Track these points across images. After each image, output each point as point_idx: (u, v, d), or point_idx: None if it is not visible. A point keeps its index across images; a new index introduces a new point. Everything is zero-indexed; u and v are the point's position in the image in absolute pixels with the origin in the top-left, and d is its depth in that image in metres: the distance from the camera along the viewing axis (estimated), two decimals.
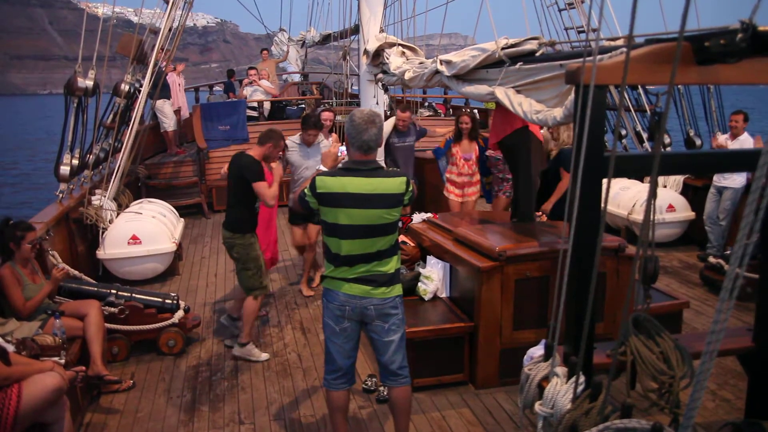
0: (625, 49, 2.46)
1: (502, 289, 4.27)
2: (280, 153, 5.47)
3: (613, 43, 3.25)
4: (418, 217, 5.90)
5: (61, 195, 6.83)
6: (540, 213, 5.86)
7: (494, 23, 4.71)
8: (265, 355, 5.02)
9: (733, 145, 6.94)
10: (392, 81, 6.77)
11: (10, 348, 3.52)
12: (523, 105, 3.89)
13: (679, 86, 7.80)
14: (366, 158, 3.23)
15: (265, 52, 15.50)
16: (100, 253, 6.65)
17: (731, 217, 7.07)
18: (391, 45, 6.82)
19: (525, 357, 2.91)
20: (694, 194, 7.96)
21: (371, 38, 7.26)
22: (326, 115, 6.84)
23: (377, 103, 7.70)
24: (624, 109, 8.60)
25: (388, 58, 6.65)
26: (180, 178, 10.59)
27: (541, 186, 5.62)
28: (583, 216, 2.45)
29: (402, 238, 5.43)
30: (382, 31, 7.63)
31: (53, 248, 5.57)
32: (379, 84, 7.31)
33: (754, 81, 2.45)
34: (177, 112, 11.49)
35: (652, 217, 2.23)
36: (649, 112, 8.82)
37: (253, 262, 4.91)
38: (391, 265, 3.30)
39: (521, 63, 4.08)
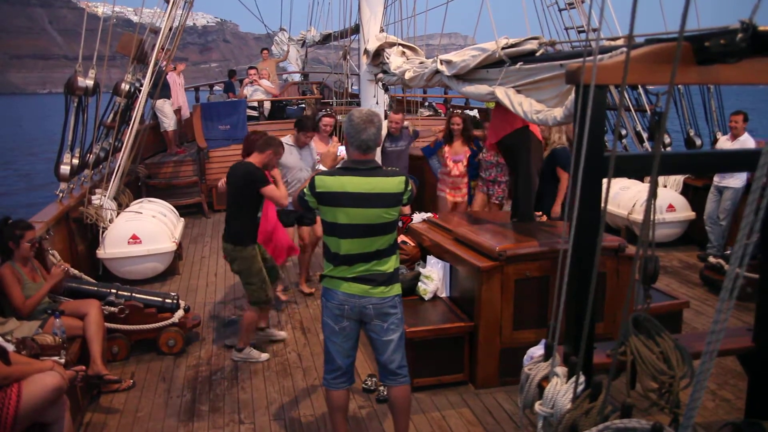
0: (625, 49, 2.46)
1: (502, 288, 4.28)
2: None
3: (613, 43, 3.25)
4: (418, 217, 5.90)
5: (61, 194, 6.83)
6: (540, 213, 5.87)
7: (494, 23, 4.71)
8: (265, 355, 5.02)
9: (734, 145, 6.94)
10: (392, 81, 6.77)
11: (10, 347, 3.52)
12: (524, 105, 3.89)
13: (679, 86, 7.80)
14: (365, 158, 3.24)
15: (265, 51, 15.50)
16: (100, 253, 6.65)
17: (731, 217, 7.07)
18: (392, 45, 6.82)
19: (525, 357, 2.91)
20: (694, 194, 7.96)
21: (371, 38, 7.26)
22: (327, 121, 6.70)
23: (377, 103, 7.70)
24: (624, 109, 8.60)
25: (388, 58, 6.65)
26: (180, 178, 10.59)
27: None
28: (583, 216, 2.45)
29: (402, 237, 5.43)
30: (382, 30, 7.63)
31: (53, 247, 5.57)
32: (380, 84, 7.31)
33: (754, 81, 2.45)
34: (177, 111, 11.49)
35: (652, 217, 2.23)
36: (649, 112, 8.82)
37: (256, 276, 4.78)
38: (390, 264, 3.30)
39: (521, 63, 4.08)
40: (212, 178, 10.41)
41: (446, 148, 6.99)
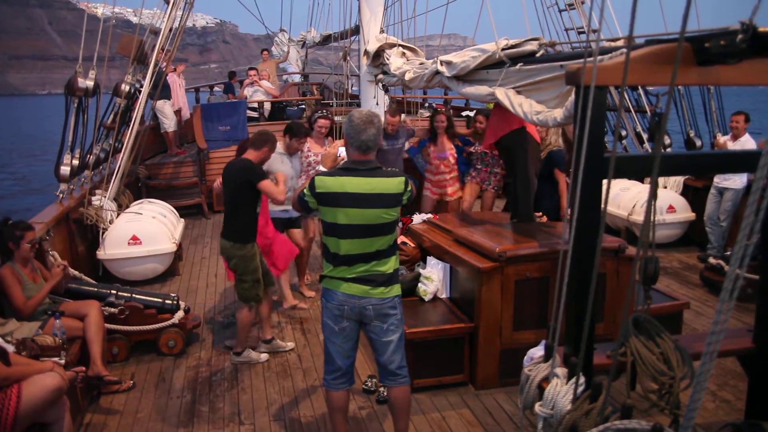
0: (625, 50, 2.46)
1: (502, 289, 4.27)
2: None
3: (613, 44, 3.25)
4: (418, 218, 5.90)
5: (61, 195, 6.83)
6: (540, 214, 5.87)
7: (494, 24, 4.71)
8: (264, 356, 5.01)
9: (735, 146, 6.94)
10: (392, 82, 6.77)
11: (10, 348, 3.52)
12: (524, 106, 3.89)
13: (680, 87, 7.80)
14: (364, 158, 3.24)
15: (265, 52, 15.51)
16: (100, 254, 6.64)
17: (732, 218, 7.07)
18: (392, 46, 6.83)
19: (525, 358, 2.92)
20: (694, 195, 7.96)
21: (372, 39, 7.27)
22: (322, 123, 6.41)
23: (377, 104, 7.71)
24: (624, 110, 8.60)
25: (388, 59, 6.65)
26: (180, 179, 10.60)
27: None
28: (584, 217, 2.45)
29: (402, 238, 5.43)
30: (382, 31, 7.65)
31: (53, 248, 5.56)
32: (380, 85, 7.31)
33: (754, 82, 2.45)
34: (177, 112, 11.49)
35: (652, 217, 2.23)
36: (649, 112, 8.83)
37: (251, 274, 4.77)
38: (390, 265, 3.31)
39: (521, 64, 4.08)
40: (212, 179, 10.39)
41: (431, 147, 6.95)
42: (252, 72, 12.83)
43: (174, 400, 4.43)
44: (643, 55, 2.41)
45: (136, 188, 9.41)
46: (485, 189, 6.97)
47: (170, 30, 8.60)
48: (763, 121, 32.59)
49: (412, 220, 5.89)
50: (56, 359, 3.78)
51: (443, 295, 4.89)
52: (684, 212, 7.78)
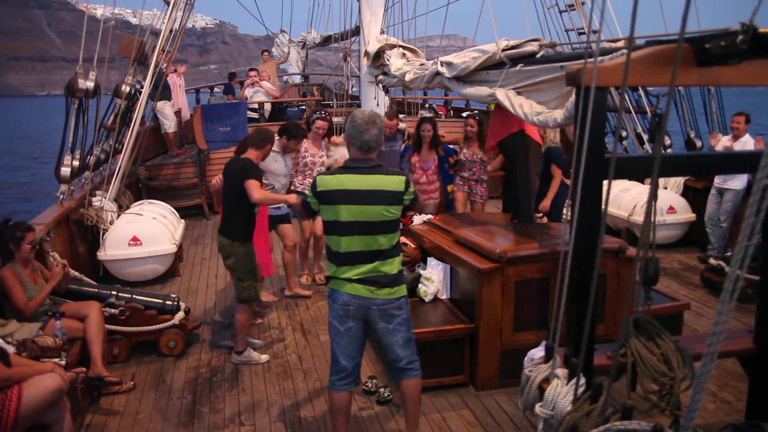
0: (625, 51, 2.46)
1: (503, 290, 4.27)
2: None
3: (613, 45, 3.26)
4: (418, 219, 5.90)
5: (61, 196, 6.83)
6: (540, 214, 5.87)
7: (495, 25, 4.71)
8: (265, 357, 5.01)
9: (735, 146, 6.94)
10: (393, 82, 6.77)
11: (11, 349, 3.52)
12: (524, 106, 3.90)
13: (680, 88, 7.81)
14: (365, 157, 3.31)
15: (265, 53, 15.50)
16: (101, 255, 6.65)
17: (732, 218, 7.06)
18: (392, 46, 6.83)
19: (525, 358, 2.92)
20: (694, 196, 7.96)
21: (372, 40, 7.27)
22: (320, 124, 6.40)
23: (378, 105, 7.71)
24: (625, 111, 8.60)
25: (388, 60, 6.65)
26: (180, 180, 10.60)
27: None
28: (584, 217, 2.45)
29: (402, 239, 5.43)
30: (382, 32, 7.65)
31: (54, 249, 5.57)
32: (380, 85, 7.31)
33: (754, 83, 2.46)
34: (177, 113, 11.50)
35: (652, 218, 2.23)
36: (649, 113, 8.83)
37: (250, 274, 4.81)
38: (394, 265, 3.35)
39: (522, 65, 4.08)
40: (213, 180, 10.39)
41: (415, 156, 6.78)
42: (253, 72, 12.83)
43: (174, 401, 4.43)
44: (644, 55, 2.41)
45: (136, 189, 9.40)
46: (473, 200, 6.82)
47: (171, 31, 8.60)
48: (764, 121, 32.61)
49: (412, 221, 5.89)
50: (57, 360, 3.78)
51: (443, 296, 4.89)
52: (684, 213, 7.78)
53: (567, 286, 2.45)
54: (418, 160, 6.79)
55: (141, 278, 6.80)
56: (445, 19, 7.74)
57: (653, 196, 2.18)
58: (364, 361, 4.78)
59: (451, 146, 6.90)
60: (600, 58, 2.49)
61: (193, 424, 4.13)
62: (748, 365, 3.17)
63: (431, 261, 5.02)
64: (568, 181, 6.46)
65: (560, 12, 9.96)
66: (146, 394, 4.54)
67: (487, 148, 6.30)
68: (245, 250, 4.78)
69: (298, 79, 17.51)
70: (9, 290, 4.27)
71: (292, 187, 6.57)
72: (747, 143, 6.91)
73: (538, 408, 2.54)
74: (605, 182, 2.34)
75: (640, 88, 8.46)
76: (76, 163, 7.05)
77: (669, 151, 8.16)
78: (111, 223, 6.89)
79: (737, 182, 6.96)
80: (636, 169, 3.19)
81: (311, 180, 6.36)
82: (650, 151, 8.28)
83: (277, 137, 5.56)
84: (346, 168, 3.34)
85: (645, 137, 8.81)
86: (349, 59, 10.81)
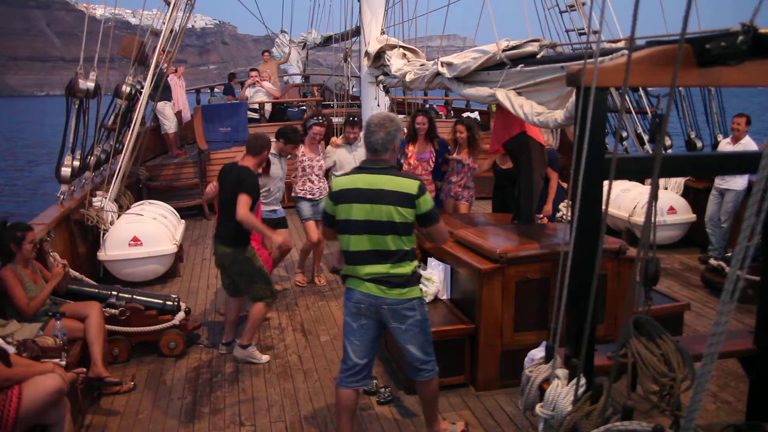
0: (626, 51, 2.46)
1: (503, 291, 4.27)
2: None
3: (614, 45, 3.26)
4: None
5: (62, 196, 6.83)
6: (541, 215, 5.87)
7: (495, 25, 4.71)
8: (266, 357, 5.01)
9: (736, 148, 6.93)
10: (393, 83, 6.77)
11: (11, 349, 3.52)
12: (525, 107, 3.90)
13: (680, 88, 7.80)
14: (375, 158, 3.42)
15: (266, 53, 15.51)
16: (101, 255, 6.65)
17: (732, 219, 7.06)
18: (393, 47, 6.82)
19: (526, 359, 2.91)
20: (695, 196, 7.95)
21: (372, 40, 7.26)
22: (317, 130, 6.38)
23: (378, 105, 7.70)
24: (625, 111, 8.60)
25: (389, 60, 6.65)
26: (181, 180, 10.60)
27: None
28: (584, 218, 2.45)
29: None
30: (383, 32, 7.64)
31: (54, 249, 5.57)
32: (381, 86, 7.31)
33: (755, 83, 2.46)
34: (178, 113, 11.50)
35: (653, 219, 2.23)
36: (650, 114, 8.83)
37: (258, 273, 4.86)
38: (408, 268, 3.40)
39: (522, 65, 4.08)
40: (213, 181, 10.39)
41: (410, 147, 6.71)
42: (254, 72, 12.83)
43: (175, 402, 4.43)
44: (644, 56, 2.41)
45: (136, 189, 9.41)
46: (459, 201, 6.71)
47: (171, 31, 8.61)
48: (764, 121, 32.59)
49: None
50: (57, 360, 3.78)
51: (444, 297, 4.89)
52: (685, 213, 7.78)
53: (567, 287, 2.45)
54: (412, 151, 6.71)
55: (141, 278, 6.80)
56: (446, 19, 7.72)
57: (654, 196, 2.18)
58: None
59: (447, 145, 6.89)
60: (600, 59, 2.49)
61: (193, 424, 4.13)
62: (748, 366, 3.16)
63: (431, 261, 5.02)
64: (564, 184, 6.47)
65: (561, 12, 9.96)
66: (146, 394, 4.54)
67: (491, 152, 6.28)
68: (248, 254, 4.83)
69: (298, 80, 17.52)
70: (10, 290, 4.27)
71: (293, 194, 6.57)
72: (747, 146, 6.90)
73: (538, 408, 2.54)
74: (606, 183, 2.34)
75: (640, 88, 8.45)
76: (76, 163, 7.06)
77: (669, 151, 8.16)
78: (111, 223, 6.90)
79: (738, 183, 6.96)
80: (636, 170, 3.19)
81: (311, 185, 6.46)
82: (651, 152, 8.28)
83: (273, 140, 5.58)
84: (359, 168, 3.51)
85: (645, 138, 8.81)
86: (349, 60, 10.82)
